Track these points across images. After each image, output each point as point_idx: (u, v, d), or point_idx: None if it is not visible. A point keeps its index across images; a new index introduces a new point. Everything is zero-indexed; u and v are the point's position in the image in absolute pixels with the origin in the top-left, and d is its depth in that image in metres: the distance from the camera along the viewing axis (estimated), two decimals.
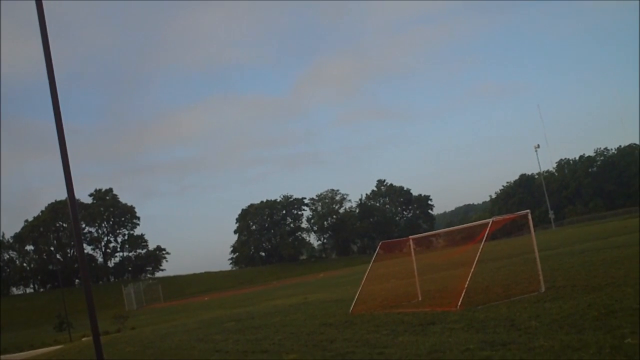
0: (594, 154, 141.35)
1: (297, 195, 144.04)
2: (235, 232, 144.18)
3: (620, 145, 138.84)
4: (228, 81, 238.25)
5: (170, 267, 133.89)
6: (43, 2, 9.87)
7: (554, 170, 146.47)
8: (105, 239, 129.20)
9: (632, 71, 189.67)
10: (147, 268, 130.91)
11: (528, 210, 19.19)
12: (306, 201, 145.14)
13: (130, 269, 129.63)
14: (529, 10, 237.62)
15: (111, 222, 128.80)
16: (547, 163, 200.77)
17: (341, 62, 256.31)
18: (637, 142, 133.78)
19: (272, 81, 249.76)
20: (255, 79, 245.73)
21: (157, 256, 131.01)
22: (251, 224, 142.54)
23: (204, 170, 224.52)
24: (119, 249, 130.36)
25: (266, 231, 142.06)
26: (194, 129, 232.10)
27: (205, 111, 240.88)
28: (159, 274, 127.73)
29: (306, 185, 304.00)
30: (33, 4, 9.84)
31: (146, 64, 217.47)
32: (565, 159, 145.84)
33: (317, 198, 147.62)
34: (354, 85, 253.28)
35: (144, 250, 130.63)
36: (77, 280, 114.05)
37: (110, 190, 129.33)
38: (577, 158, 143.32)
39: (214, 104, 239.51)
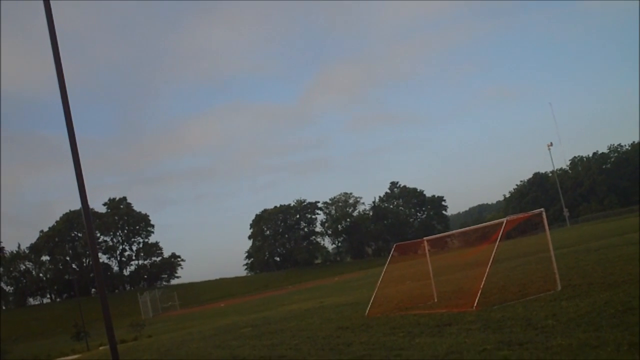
0: (608, 150, 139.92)
1: (310, 199, 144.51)
2: (249, 237, 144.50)
3: (634, 141, 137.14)
4: (237, 90, 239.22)
5: (185, 275, 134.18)
6: (54, 18, 9.99)
7: (568, 168, 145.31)
8: (120, 247, 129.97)
9: None
10: (163, 276, 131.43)
11: (542, 209, 19.08)
12: (320, 205, 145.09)
13: (145, 276, 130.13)
14: (538, 11, 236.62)
15: (126, 231, 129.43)
16: (560, 161, 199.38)
17: (349, 68, 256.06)
18: None
19: (281, 89, 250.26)
20: (264, 88, 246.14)
21: (172, 263, 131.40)
22: (265, 229, 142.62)
23: (216, 178, 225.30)
24: (134, 257, 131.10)
25: (280, 236, 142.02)
26: (205, 137, 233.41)
27: (216, 120, 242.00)
28: (174, 282, 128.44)
29: (318, 191, 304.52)
30: (45, 21, 9.95)
31: (156, 75, 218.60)
32: (579, 156, 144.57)
33: (330, 202, 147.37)
34: (363, 91, 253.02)
35: (159, 258, 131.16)
36: (93, 290, 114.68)
37: (124, 199, 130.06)
38: (590, 155, 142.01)
39: (224, 112, 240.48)
